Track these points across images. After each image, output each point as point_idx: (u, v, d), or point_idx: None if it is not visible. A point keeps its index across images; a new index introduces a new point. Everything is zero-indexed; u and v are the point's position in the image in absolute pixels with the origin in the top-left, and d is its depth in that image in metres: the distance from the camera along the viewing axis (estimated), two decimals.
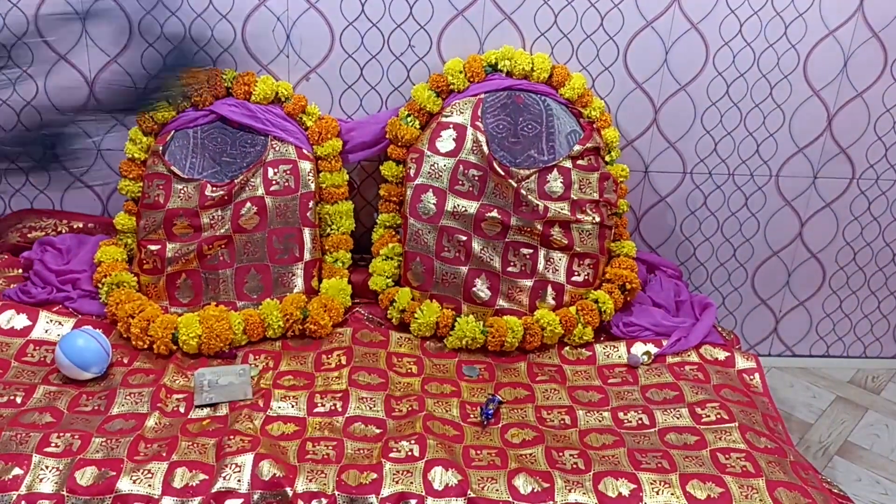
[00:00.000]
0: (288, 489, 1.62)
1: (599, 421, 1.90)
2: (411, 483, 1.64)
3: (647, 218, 2.60)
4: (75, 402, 1.84)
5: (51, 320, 2.06)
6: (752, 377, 2.08)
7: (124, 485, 1.60)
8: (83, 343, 1.90)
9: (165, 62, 2.08)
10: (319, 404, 1.87)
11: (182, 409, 1.85)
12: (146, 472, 1.63)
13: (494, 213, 2.16)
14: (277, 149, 2.20)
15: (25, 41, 2.15)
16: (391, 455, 1.70)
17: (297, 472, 1.65)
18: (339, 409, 1.85)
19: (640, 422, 1.89)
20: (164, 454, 1.68)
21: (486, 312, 2.18)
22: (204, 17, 2.21)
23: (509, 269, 2.19)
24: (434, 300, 2.18)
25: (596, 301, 2.19)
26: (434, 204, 2.19)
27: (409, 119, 2.24)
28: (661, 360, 2.11)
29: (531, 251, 2.19)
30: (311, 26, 2.25)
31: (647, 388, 2.01)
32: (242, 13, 2.23)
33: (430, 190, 2.19)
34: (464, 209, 2.17)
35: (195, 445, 1.72)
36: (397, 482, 1.64)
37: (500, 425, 1.86)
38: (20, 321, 2.04)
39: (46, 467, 1.63)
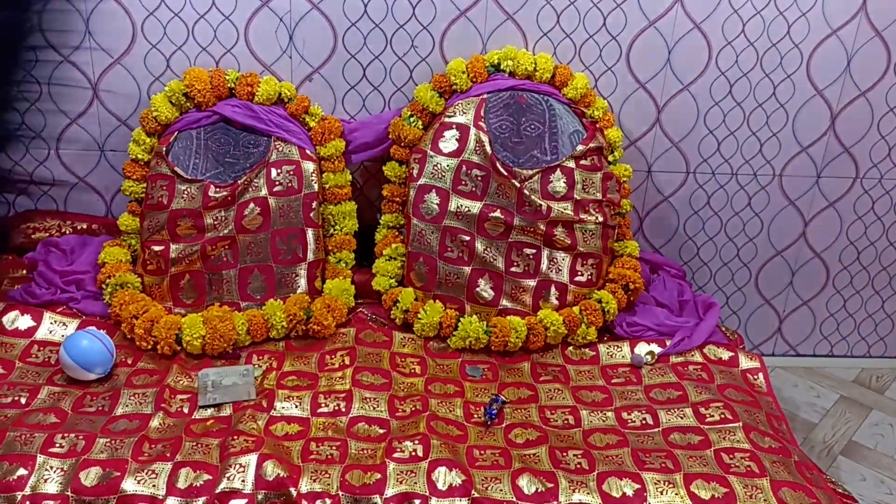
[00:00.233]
0: (292, 489, 1.62)
1: (603, 421, 1.89)
2: (415, 483, 1.64)
3: (651, 218, 2.60)
4: (79, 403, 1.84)
5: (55, 321, 2.07)
6: (755, 377, 2.08)
7: (129, 485, 1.61)
8: (87, 344, 1.90)
9: None
10: (323, 404, 1.87)
11: (186, 410, 1.85)
12: (150, 472, 1.64)
13: (498, 214, 2.16)
14: (280, 149, 2.20)
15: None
16: (395, 455, 1.70)
17: (301, 473, 1.65)
18: (343, 410, 1.86)
19: (643, 422, 1.89)
20: (169, 455, 1.68)
21: (489, 312, 2.18)
22: (207, 19, 2.22)
23: (513, 269, 2.19)
24: (437, 300, 2.19)
25: (599, 301, 2.19)
26: (437, 204, 2.19)
27: (411, 119, 2.24)
28: (664, 359, 2.11)
29: (534, 251, 2.19)
30: (313, 27, 2.25)
31: (650, 388, 2.01)
32: (245, 14, 2.23)
33: (434, 190, 2.19)
34: (467, 209, 2.17)
35: (199, 446, 1.72)
36: (401, 482, 1.64)
37: (503, 425, 1.86)
38: (24, 322, 2.05)
39: (51, 468, 1.63)
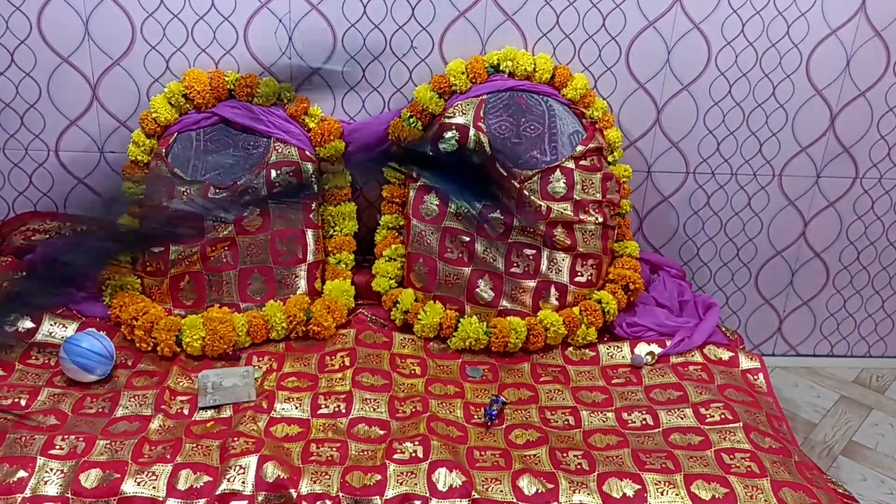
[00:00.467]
0: (292, 491, 1.62)
1: (603, 421, 1.89)
2: (415, 484, 1.64)
3: (650, 218, 2.60)
4: (80, 405, 1.84)
5: (55, 323, 2.06)
6: (756, 377, 2.08)
7: (129, 487, 1.61)
8: (87, 345, 1.90)
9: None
10: (323, 406, 1.87)
11: (186, 412, 1.85)
12: (150, 474, 1.64)
13: (497, 214, 2.16)
14: (280, 150, 2.20)
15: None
16: (395, 456, 1.70)
17: (302, 474, 1.65)
18: (343, 411, 1.85)
19: (644, 422, 1.89)
20: (169, 456, 1.68)
21: (489, 313, 2.18)
22: (206, 20, 2.22)
23: (512, 269, 2.19)
24: (437, 301, 2.18)
25: (599, 301, 2.19)
26: (437, 205, 2.19)
27: (411, 120, 2.24)
28: (664, 360, 2.11)
29: (534, 252, 2.19)
30: (313, 28, 2.25)
31: (650, 389, 2.01)
32: (245, 15, 2.23)
33: (433, 191, 2.19)
34: (466, 210, 2.17)
35: (199, 447, 1.72)
36: (401, 483, 1.64)
37: (503, 426, 1.86)
38: (24, 324, 2.04)
39: (51, 470, 1.63)
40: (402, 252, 2.25)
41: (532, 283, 2.19)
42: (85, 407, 1.84)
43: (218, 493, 1.60)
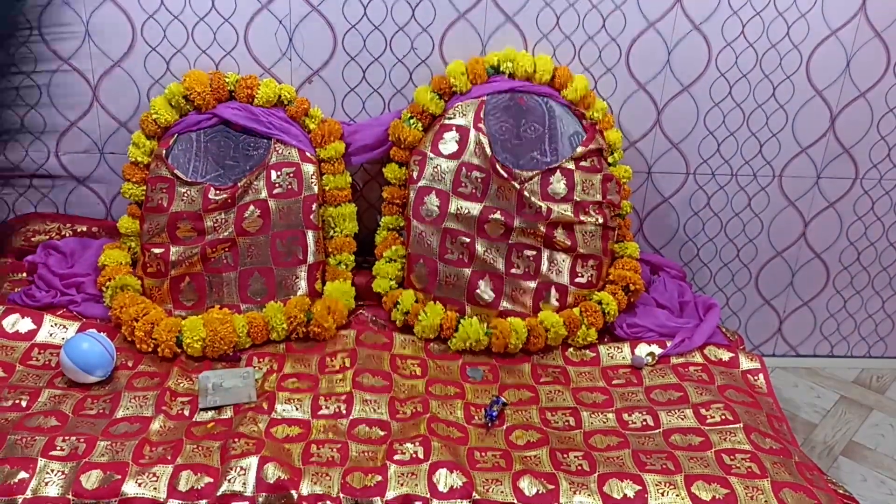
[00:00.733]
0: (293, 492, 1.62)
1: (604, 422, 1.89)
2: (416, 485, 1.64)
3: (651, 219, 2.60)
4: (80, 406, 1.84)
5: (55, 324, 2.06)
6: (756, 378, 2.08)
7: (130, 488, 1.61)
8: (88, 346, 1.90)
9: None
10: (324, 407, 1.87)
11: (186, 413, 1.85)
12: (151, 475, 1.64)
13: (498, 215, 2.17)
14: (280, 152, 2.20)
15: None
16: (396, 457, 1.70)
17: (302, 475, 1.65)
18: (344, 412, 1.86)
19: (644, 423, 1.89)
20: (169, 457, 1.68)
21: (489, 314, 2.18)
22: (206, 21, 2.22)
23: (513, 270, 2.19)
24: (438, 302, 2.19)
25: (599, 302, 2.19)
26: (437, 206, 2.19)
27: (411, 121, 2.24)
28: (665, 361, 2.11)
29: (534, 253, 2.19)
30: (313, 29, 2.25)
31: (651, 390, 2.01)
32: (245, 16, 2.23)
33: (433, 192, 2.19)
34: (467, 211, 2.18)
35: (200, 448, 1.72)
36: (402, 484, 1.64)
37: (504, 427, 1.86)
38: (25, 325, 2.04)
39: (52, 471, 1.63)
40: (403, 253, 2.26)
41: (532, 284, 2.19)
42: (85, 408, 1.84)
43: (219, 494, 1.60)
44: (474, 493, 1.63)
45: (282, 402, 1.87)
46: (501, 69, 2.26)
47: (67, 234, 2.36)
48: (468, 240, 2.17)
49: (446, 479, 1.65)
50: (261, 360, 2.04)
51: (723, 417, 1.88)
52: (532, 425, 1.86)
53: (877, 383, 2.85)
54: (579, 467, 1.72)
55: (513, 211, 2.17)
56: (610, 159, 2.31)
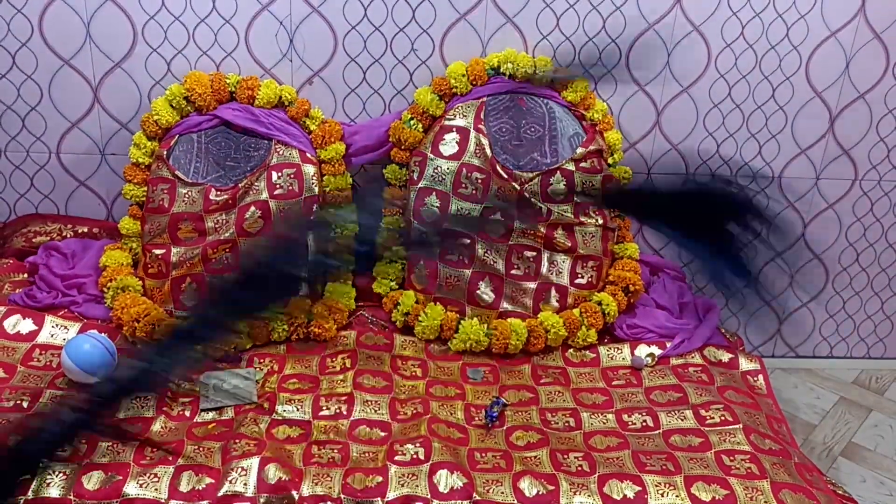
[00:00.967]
0: (294, 493, 1.62)
1: (604, 423, 1.90)
2: (417, 486, 1.64)
3: None
4: None
5: (56, 325, 2.07)
6: (755, 379, 2.09)
7: (131, 489, 1.61)
8: (89, 347, 1.90)
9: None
10: (324, 407, 1.87)
11: (188, 413, 1.85)
12: (153, 476, 1.64)
13: (498, 216, 2.17)
14: (281, 153, 2.20)
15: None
16: (396, 458, 1.71)
17: (303, 476, 1.66)
18: (344, 413, 1.86)
19: (644, 424, 1.90)
20: (171, 458, 1.68)
21: (489, 315, 2.19)
22: (207, 22, 2.22)
23: (513, 271, 2.19)
24: (438, 303, 2.19)
25: (599, 303, 2.19)
26: (438, 207, 2.19)
27: (412, 122, 2.25)
28: (664, 362, 2.12)
29: (535, 254, 2.19)
30: (314, 30, 2.26)
31: (650, 390, 2.02)
32: (246, 18, 2.23)
33: (434, 193, 2.19)
34: (467, 212, 2.18)
35: (201, 449, 1.72)
36: (403, 485, 1.64)
37: (504, 428, 1.86)
38: (26, 326, 2.05)
39: (53, 472, 1.63)
40: (403, 254, 2.26)
41: (532, 285, 2.20)
42: None
43: (220, 494, 1.61)
44: (475, 494, 1.63)
45: (283, 403, 1.88)
46: (502, 70, 2.27)
47: (68, 235, 2.36)
48: (468, 241, 2.18)
49: (447, 480, 1.65)
50: (262, 360, 2.04)
51: (722, 418, 1.89)
52: (532, 426, 1.87)
53: (876, 384, 2.85)
54: (579, 468, 1.72)
55: (513, 212, 2.17)
56: (610, 160, 2.31)
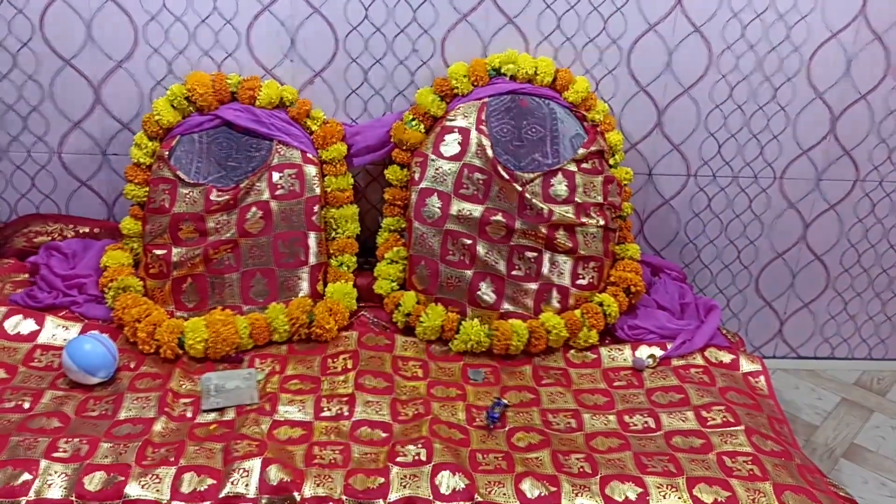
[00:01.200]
0: (296, 494, 1.62)
1: (605, 424, 1.90)
2: (418, 487, 1.64)
3: (652, 221, 2.60)
4: (83, 407, 1.85)
5: (57, 325, 2.07)
6: (757, 380, 2.08)
7: (133, 490, 1.61)
8: (90, 348, 1.90)
9: None
10: (326, 408, 1.87)
11: (189, 414, 1.85)
12: (154, 476, 1.64)
13: (499, 217, 2.17)
14: (282, 153, 2.20)
15: None
16: (398, 459, 1.71)
17: (305, 477, 1.65)
18: (346, 413, 1.86)
19: (645, 425, 1.89)
20: (172, 459, 1.68)
21: (491, 316, 2.18)
22: (209, 23, 2.22)
23: (514, 272, 2.19)
24: (439, 304, 2.19)
25: (601, 304, 2.19)
26: (439, 208, 2.19)
27: (413, 123, 2.25)
28: (666, 363, 2.12)
29: (536, 254, 2.19)
30: (315, 31, 2.26)
31: (652, 392, 2.01)
32: (247, 18, 2.23)
33: (435, 194, 2.19)
34: (469, 213, 2.18)
35: (203, 450, 1.72)
36: (405, 486, 1.64)
37: (506, 429, 1.86)
38: (27, 326, 2.05)
39: (55, 472, 1.63)
40: (404, 254, 2.26)
41: (534, 286, 2.20)
42: (88, 409, 1.84)
43: (221, 496, 1.61)
44: (476, 496, 1.63)
45: (284, 404, 1.87)
46: (503, 71, 2.27)
47: (69, 235, 2.36)
48: (470, 241, 2.18)
49: (448, 482, 1.65)
50: (263, 361, 2.04)
51: (724, 419, 1.88)
52: (534, 427, 1.86)
53: (878, 385, 2.85)
54: (581, 469, 1.72)
55: (514, 213, 2.17)
56: (611, 161, 2.31)
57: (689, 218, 2.60)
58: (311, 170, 2.21)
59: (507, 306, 2.19)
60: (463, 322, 2.14)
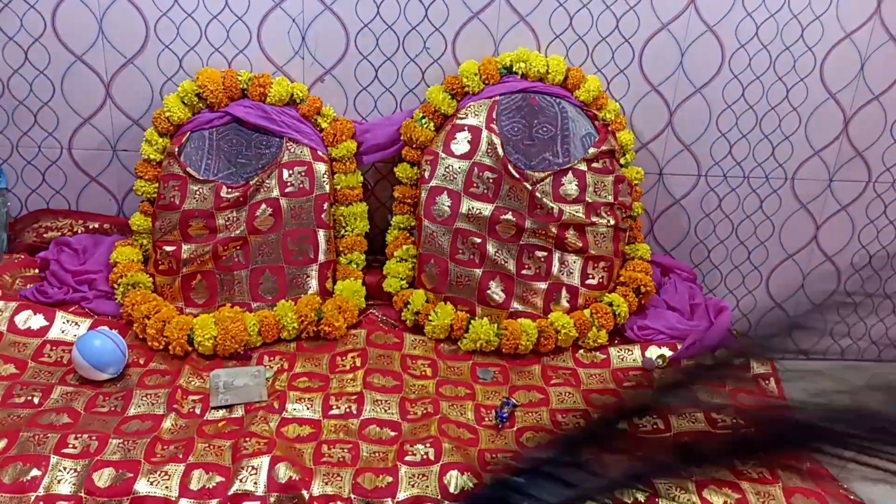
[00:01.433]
0: (304, 492, 1.62)
1: None
2: (427, 487, 1.64)
3: (662, 220, 2.59)
4: (92, 403, 1.85)
5: (67, 321, 2.07)
6: (767, 382, 2.07)
7: (142, 486, 1.61)
8: (100, 344, 1.91)
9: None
10: (334, 406, 1.87)
11: (198, 411, 1.85)
12: (163, 473, 1.64)
13: (509, 216, 2.16)
14: (292, 150, 2.20)
15: None
16: (406, 458, 1.70)
17: (313, 475, 1.65)
18: (354, 412, 1.86)
19: (654, 426, 1.88)
20: (181, 456, 1.68)
21: (500, 315, 2.18)
22: (220, 19, 2.22)
23: (524, 271, 2.18)
24: (448, 302, 2.18)
25: (610, 304, 2.18)
26: (448, 206, 2.19)
27: (423, 121, 2.24)
28: (675, 363, 2.10)
29: (546, 254, 2.18)
30: (326, 28, 2.25)
31: None
32: (258, 15, 2.23)
33: (445, 192, 2.19)
34: (478, 211, 2.17)
35: (211, 447, 1.72)
36: (413, 486, 1.64)
37: (514, 428, 1.86)
38: (37, 321, 2.05)
39: (64, 468, 1.64)
40: (414, 253, 2.25)
41: (543, 286, 2.19)
42: (97, 405, 1.84)
43: (230, 493, 1.61)
44: None
45: (293, 402, 1.87)
46: (514, 69, 2.26)
47: (79, 231, 2.36)
48: (479, 240, 2.17)
49: (457, 481, 1.65)
50: (271, 358, 2.04)
51: (734, 421, 1.87)
52: (542, 427, 1.86)
53: None
54: None
55: (524, 212, 2.16)
56: (622, 160, 2.30)
57: (699, 218, 2.59)
58: (320, 167, 2.21)
59: (516, 305, 2.19)
60: (472, 321, 2.14)
